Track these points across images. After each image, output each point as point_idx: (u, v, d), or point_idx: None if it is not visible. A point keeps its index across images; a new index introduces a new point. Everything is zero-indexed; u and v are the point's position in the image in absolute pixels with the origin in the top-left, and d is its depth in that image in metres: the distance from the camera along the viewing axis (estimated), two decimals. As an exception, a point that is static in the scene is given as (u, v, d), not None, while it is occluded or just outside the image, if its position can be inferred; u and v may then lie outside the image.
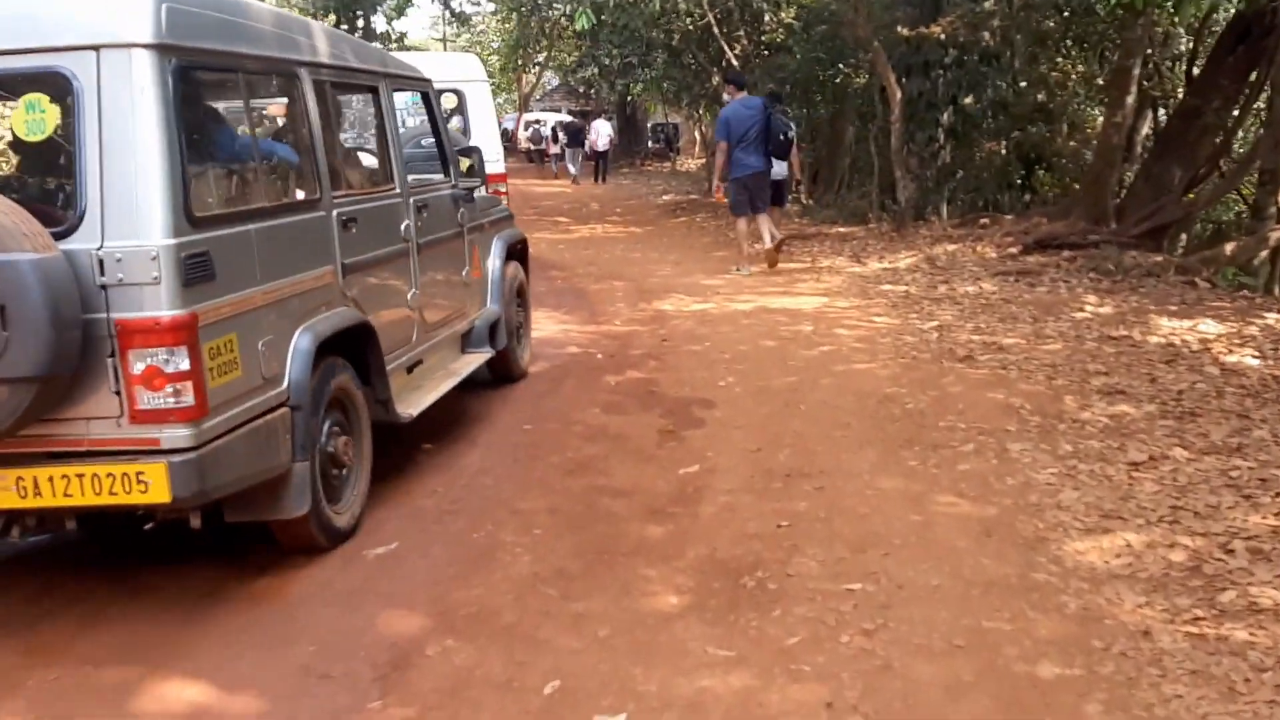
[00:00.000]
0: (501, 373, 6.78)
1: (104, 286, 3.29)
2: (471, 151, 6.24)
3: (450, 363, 5.88)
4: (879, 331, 8.13)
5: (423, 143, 8.27)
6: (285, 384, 3.88)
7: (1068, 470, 4.96)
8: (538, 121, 38.54)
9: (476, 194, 6.24)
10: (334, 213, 4.36)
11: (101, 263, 3.28)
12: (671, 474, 5.12)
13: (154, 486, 3.33)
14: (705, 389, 6.63)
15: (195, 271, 3.39)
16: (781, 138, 10.83)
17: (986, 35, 14.25)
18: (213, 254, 3.48)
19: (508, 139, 47.05)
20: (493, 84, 50.88)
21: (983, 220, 12.97)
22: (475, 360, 6.04)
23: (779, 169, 11.45)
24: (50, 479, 3.36)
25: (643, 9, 16.34)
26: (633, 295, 10.32)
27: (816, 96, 20.47)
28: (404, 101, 11.26)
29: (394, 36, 23.99)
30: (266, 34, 4.09)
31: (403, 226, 5.08)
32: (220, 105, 4.30)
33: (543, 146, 35.37)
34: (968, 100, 14.58)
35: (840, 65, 18.70)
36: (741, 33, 19.09)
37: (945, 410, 5.91)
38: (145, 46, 3.35)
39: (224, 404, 3.52)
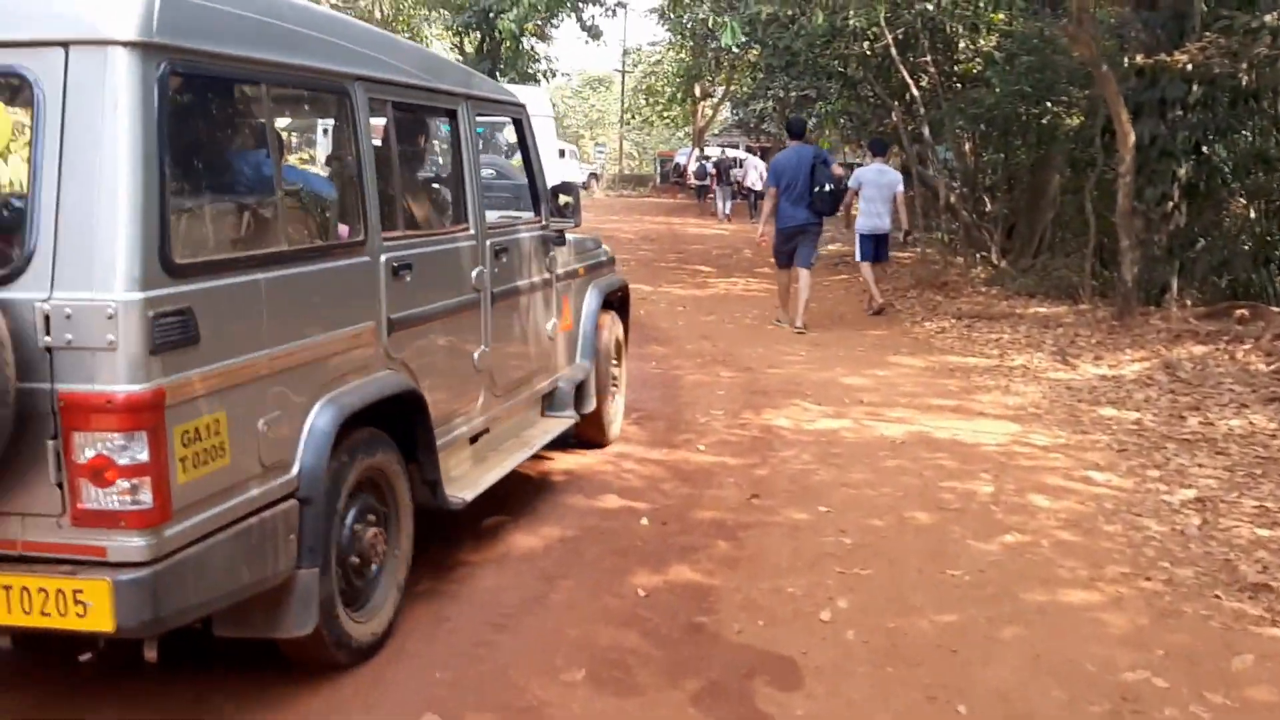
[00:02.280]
0: (588, 438, 6.01)
1: (49, 349, 2.60)
2: (570, 188, 5.64)
3: (526, 429, 5.13)
4: (1101, 505, 5.13)
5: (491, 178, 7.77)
6: (294, 470, 3.14)
7: None
8: (707, 157, 36.32)
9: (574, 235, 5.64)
10: (382, 258, 3.66)
11: (48, 319, 2.59)
12: None
13: (94, 610, 2.59)
14: (791, 628, 3.81)
15: (169, 334, 2.65)
16: (819, 189, 10.03)
17: (1246, 65, 10.90)
18: (198, 311, 2.74)
19: (679, 174, 45.22)
20: (668, 118, 49.76)
21: (1239, 311, 9.60)
22: (556, 427, 5.33)
23: (882, 223, 11.20)
24: None
25: (805, 27, 13.56)
26: (740, 396, 7.52)
27: (1016, 140, 17.25)
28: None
29: (523, 54, 21.82)
30: (307, 39, 3.34)
31: (474, 274, 4.38)
32: (231, 123, 3.42)
33: (706, 183, 32.89)
34: (1213, 149, 11.26)
35: (1048, 103, 15.51)
36: (928, 59, 16.05)
37: (1256, 765, 2.93)
38: (127, 45, 2.61)
39: (200, 502, 2.78)
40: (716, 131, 48.20)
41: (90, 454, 2.58)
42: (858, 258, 11.82)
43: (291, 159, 5.14)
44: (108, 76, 2.60)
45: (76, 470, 2.59)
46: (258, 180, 3.28)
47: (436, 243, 4.17)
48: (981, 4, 16.42)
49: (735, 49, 17.80)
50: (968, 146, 18.11)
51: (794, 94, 28.47)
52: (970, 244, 16.51)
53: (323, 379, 3.27)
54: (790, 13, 13.02)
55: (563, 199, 5.50)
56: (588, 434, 5.95)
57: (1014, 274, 13.86)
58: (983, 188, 18.07)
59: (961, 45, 17.62)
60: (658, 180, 48.64)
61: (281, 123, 4.02)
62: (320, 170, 4.59)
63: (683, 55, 37.77)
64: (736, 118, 40.76)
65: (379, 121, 3.86)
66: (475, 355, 4.36)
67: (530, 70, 23.68)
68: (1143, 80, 11.00)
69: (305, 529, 3.14)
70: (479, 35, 20.61)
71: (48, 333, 2.57)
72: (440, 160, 7.90)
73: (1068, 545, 4.60)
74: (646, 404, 7.21)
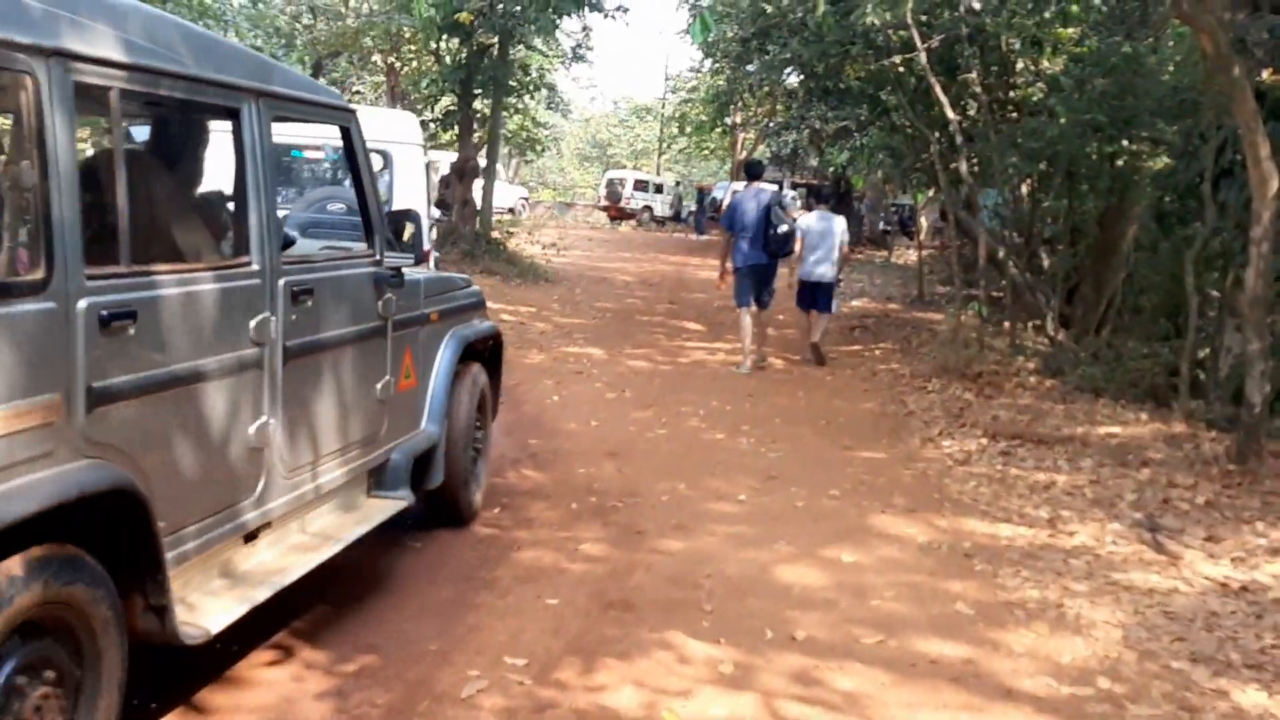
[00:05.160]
0: (444, 512, 5.02)
1: None
2: (409, 216, 4.71)
3: (337, 516, 4.07)
4: None
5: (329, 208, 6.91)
6: None
7: None
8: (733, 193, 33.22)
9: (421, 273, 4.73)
10: (80, 304, 2.64)
11: None
12: None
13: None
14: None
15: None
16: (772, 232, 10.03)
17: None
18: None
19: (716, 209, 41.97)
20: (706, 148, 46.80)
21: None
22: (380, 511, 4.24)
23: (827, 271, 10.85)
24: None
25: (806, 26, 10.40)
26: (583, 612, 4.28)
27: (1083, 184, 13.89)
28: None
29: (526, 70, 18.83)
30: None
31: (254, 323, 3.34)
32: None
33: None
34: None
35: (1126, 140, 12.21)
36: (974, 77, 12.76)
37: None
38: None
39: None
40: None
41: None
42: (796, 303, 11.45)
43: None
44: None
45: None
46: None
47: (187, 282, 3.08)
48: (1046, 15, 13.22)
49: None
50: (1024, 189, 14.82)
51: (831, 125, 25.46)
52: (1021, 309, 13.18)
53: None
54: (786, 3, 9.87)
55: (407, 230, 4.64)
56: (443, 508, 5.02)
57: (1076, 354, 10.52)
58: (1039, 240, 14.72)
59: (1020, 66, 14.35)
60: (686, 215, 45.31)
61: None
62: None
63: (719, 79, 34.81)
64: (770, 150, 37.67)
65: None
66: (252, 429, 3.38)
67: (516, 83, 20.57)
68: (1267, 104, 7.71)
69: None
70: (499, 39, 17.59)
71: None
72: (211, 174, 6.20)
73: None
74: (395, 632, 4.00)
